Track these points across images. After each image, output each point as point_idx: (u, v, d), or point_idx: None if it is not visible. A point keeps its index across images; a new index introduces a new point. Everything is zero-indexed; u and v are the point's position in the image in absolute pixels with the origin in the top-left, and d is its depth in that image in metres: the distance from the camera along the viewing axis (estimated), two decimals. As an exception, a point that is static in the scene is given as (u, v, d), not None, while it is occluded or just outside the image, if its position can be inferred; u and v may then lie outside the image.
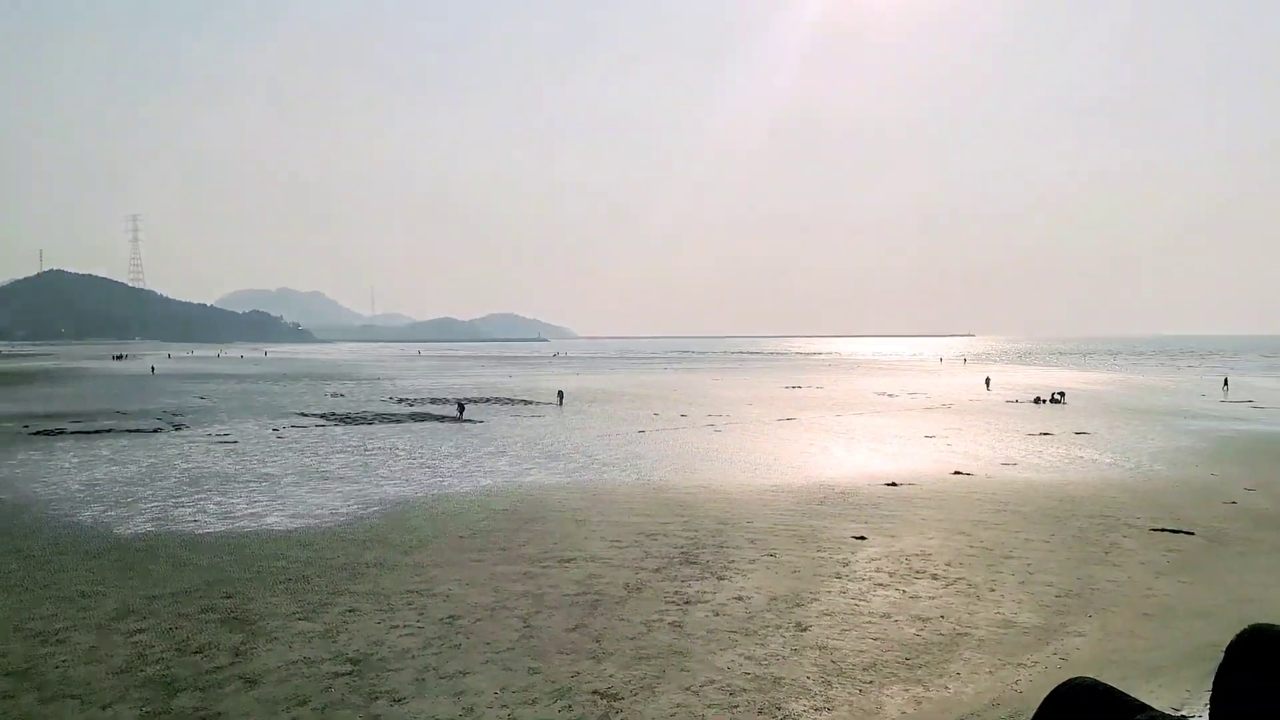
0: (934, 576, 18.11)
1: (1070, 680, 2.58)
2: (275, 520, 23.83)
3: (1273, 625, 2.48)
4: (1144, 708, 2.42)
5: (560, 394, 69.34)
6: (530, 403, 66.98)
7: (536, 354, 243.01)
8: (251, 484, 29.60)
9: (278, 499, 26.90)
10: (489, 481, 30.35)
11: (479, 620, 15.14)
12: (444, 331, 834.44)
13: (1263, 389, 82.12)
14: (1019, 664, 13.29)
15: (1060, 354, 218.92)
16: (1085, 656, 13.53)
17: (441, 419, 53.89)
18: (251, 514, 24.65)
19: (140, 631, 14.50)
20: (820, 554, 19.95)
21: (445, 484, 29.82)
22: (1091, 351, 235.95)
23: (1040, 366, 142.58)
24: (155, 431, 45.78)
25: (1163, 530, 22.44)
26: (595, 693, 12.04)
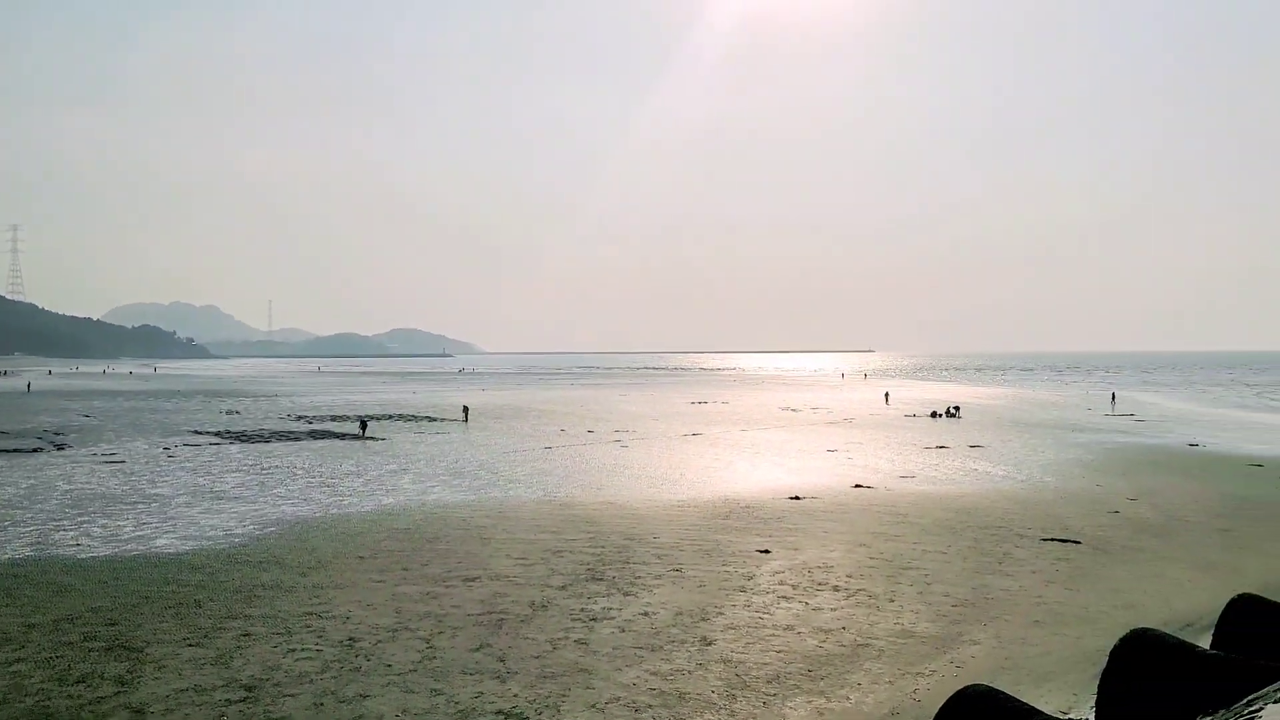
0: (836, 588, 18.44)
1: (965, 688, 2.65)
2: (165, 543, 22.89)
3: (1153, 629, 2.59)
4: (1034, 713, 2.49)
5: (465, 410, 68.60)
6: (435, 419, 66.01)
7: (442, 370, 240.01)
8: (140, 505, 28.39)
9: (168, 520, 25.86)
10: (391, 500, 29.76)
11: (380, 642, 14.80)
12: (346, 347, 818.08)
13: (1145, 403, 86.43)
14: (917, 673, 13.61)
15: (955, 370, 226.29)
16: (980, 664, 13.95)
17: (342, 437, 52.69)
18: (139, 536, 23.63)
19: (17, 661, 13.73)
20: (725, 568, 20.12)
21: (345, 503, 29.12)
22: (984, 367, 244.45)
23: (936, 382, 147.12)
24: (35, 451, 43.57)
25: (1052, 540, 23.32)
26: (499, 713, 11.88)
